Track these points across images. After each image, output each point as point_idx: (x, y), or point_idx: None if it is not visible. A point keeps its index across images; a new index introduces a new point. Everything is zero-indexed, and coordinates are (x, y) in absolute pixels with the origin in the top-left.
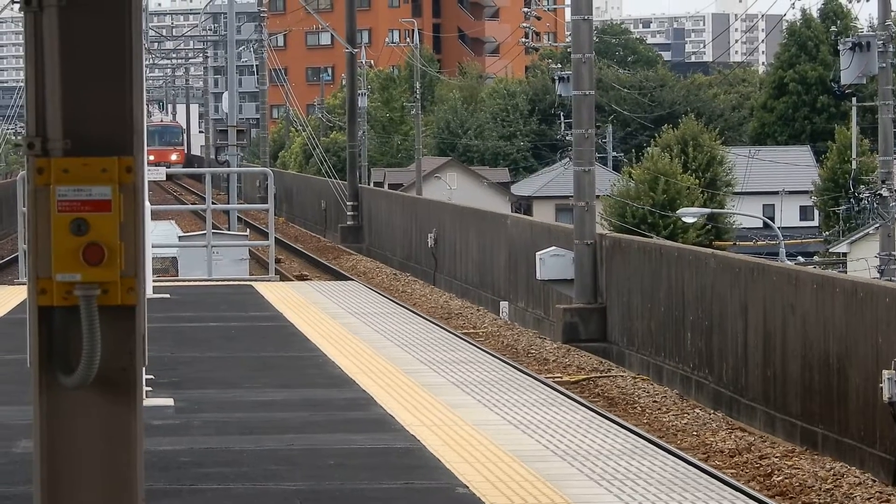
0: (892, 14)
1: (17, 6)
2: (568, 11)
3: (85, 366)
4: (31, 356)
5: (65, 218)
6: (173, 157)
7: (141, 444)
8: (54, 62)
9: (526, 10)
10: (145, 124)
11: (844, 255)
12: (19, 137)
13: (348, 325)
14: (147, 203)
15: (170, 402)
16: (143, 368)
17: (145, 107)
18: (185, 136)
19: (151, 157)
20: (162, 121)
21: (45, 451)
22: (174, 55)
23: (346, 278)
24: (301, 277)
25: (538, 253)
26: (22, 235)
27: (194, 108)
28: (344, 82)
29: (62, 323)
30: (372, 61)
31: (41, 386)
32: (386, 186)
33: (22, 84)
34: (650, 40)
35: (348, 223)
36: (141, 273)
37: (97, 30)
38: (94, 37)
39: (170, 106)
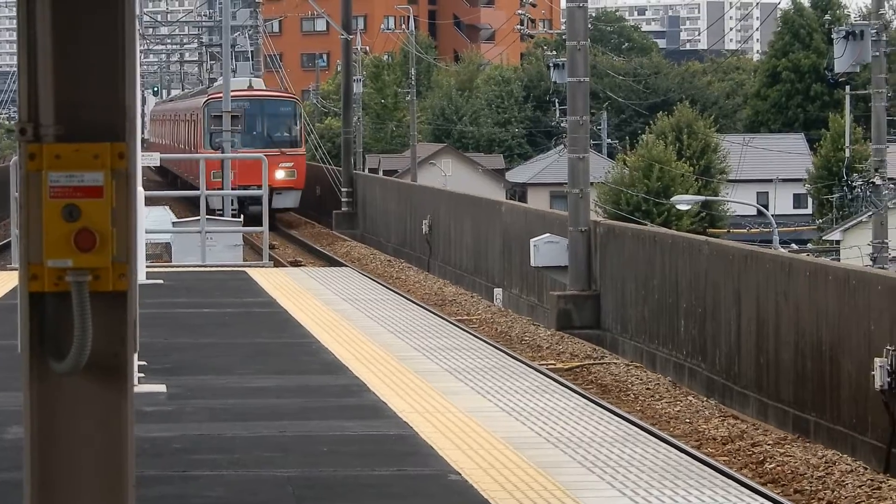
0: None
1: None
2: None
3: (76, 352)
4: (21, 342)
5: (56, 204)
6: (279, 176)
7: (132, 430)
8: (47, 48)
9: None
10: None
11: (838, 242)
12: (12, 123)
13: (342, 312)
14: (141, 189)
15: (162, 388)
16: (135, 354)
17: (139, 93)
18: (301, 124)
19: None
20: (251, 87)
21: (35, 437)
22: (169, 41)
23: (340, 264)
24: (295, 263)
25: (532, 240)
26: (14, 221)
27: None
28: (339, 68)
29: (53, 309)
30: (367, 48)
31: (32, 372)
32: (381, 173)
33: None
34: (645, 28)
35: (343, 209)
36: (133, 259)
37: (90, 16)
38: (87, 23)
39: (164, 91)
